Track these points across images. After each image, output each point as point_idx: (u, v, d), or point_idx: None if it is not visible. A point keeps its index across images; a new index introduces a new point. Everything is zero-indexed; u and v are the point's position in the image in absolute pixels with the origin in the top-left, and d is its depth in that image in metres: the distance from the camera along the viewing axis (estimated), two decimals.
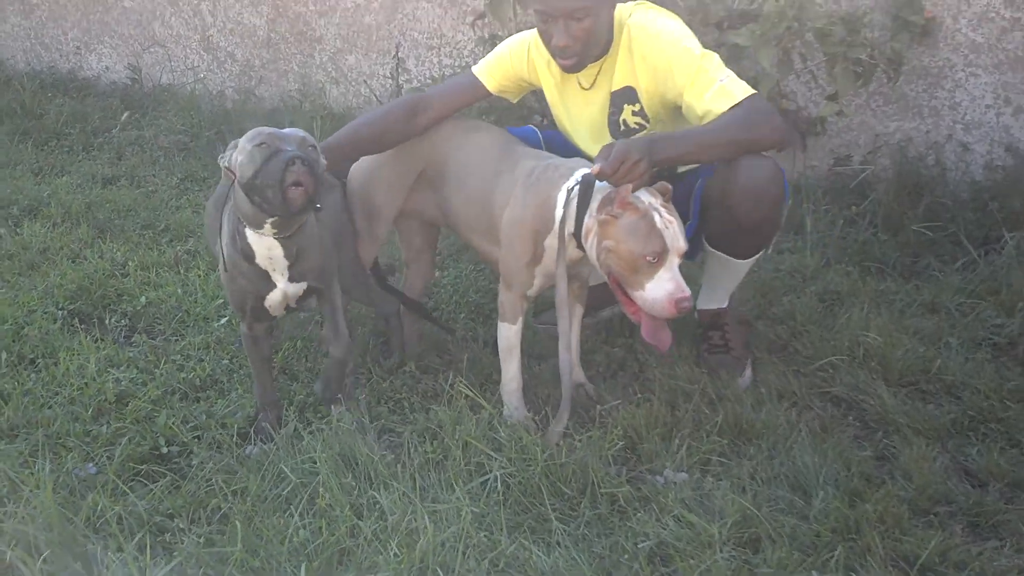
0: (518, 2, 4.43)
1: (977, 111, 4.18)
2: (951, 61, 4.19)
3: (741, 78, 4.04)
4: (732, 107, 2.58)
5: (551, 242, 2.55)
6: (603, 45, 2.77)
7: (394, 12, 5.75)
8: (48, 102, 6.09)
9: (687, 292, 2.34)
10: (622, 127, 2.87)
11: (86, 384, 2.76)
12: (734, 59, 3.91)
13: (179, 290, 3.40)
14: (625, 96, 2.83)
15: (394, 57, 5.64)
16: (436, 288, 3.49)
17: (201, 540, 2.10)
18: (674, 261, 2.36)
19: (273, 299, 2.49)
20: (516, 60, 2.95)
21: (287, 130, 2.36)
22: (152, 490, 2.28)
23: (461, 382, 2.65)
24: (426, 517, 2.10)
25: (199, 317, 3.27)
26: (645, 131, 2.88)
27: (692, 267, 3.43)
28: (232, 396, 2.73)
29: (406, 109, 2.91)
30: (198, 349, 3.03)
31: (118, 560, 1.97)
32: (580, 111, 2.92)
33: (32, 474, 2.25)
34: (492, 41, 4.64)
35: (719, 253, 2.85)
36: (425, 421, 2.58)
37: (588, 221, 2.45)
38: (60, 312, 3.24)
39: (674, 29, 2.74)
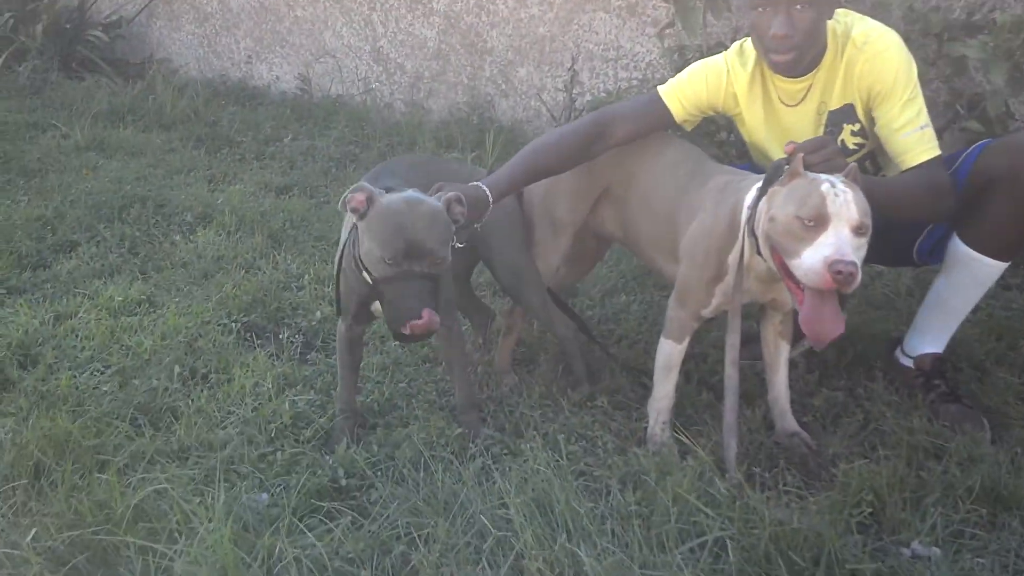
0: (711, 12, 4.15)
1: None
2: None
3: (961, 95, 3.71)
4: (924, 162, 2.46)
5: (734, 258, 2.35)
6: (819, 50, 2.55)
7: (569, 23, 5.53)
8: (221, 109, 6.11)
9: (848, 256, 2.02)
10: (841, 148, 2.59)
11: (260, 404, 2.59)
12: (955, 73, 3.56)
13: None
14: (845, 115, 2.60)
15: (569, 69, 5.42)
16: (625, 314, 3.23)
17: None
18: (841, 229, 2.06)
19: (380, 307, 2.34)
20: (713, 89, 2.70)
21: (419, 221, 2.16)
22: (331, 529, 2.07)
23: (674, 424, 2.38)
24: None
25: (375, 336, 3.09)
26: (863, 151, 2.64)
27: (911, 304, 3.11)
28: (413, 425, 2.52)
29: (586, 136, 2.68)
30: (376, 371, 2.84)
31: None
32: (786, 133, 2.66)
33: (205, 506, 2.07)
34: (680, 52, 4.38)
35: (976, 255, 2.55)
36: (625, 466, 2.31)
37: (762, 206, 2.22)
38: (234, 324, 3.10)
39: (900, 49, 2.52)
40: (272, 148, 5.43)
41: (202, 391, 2.69)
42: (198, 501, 2.12)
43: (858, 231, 2.09)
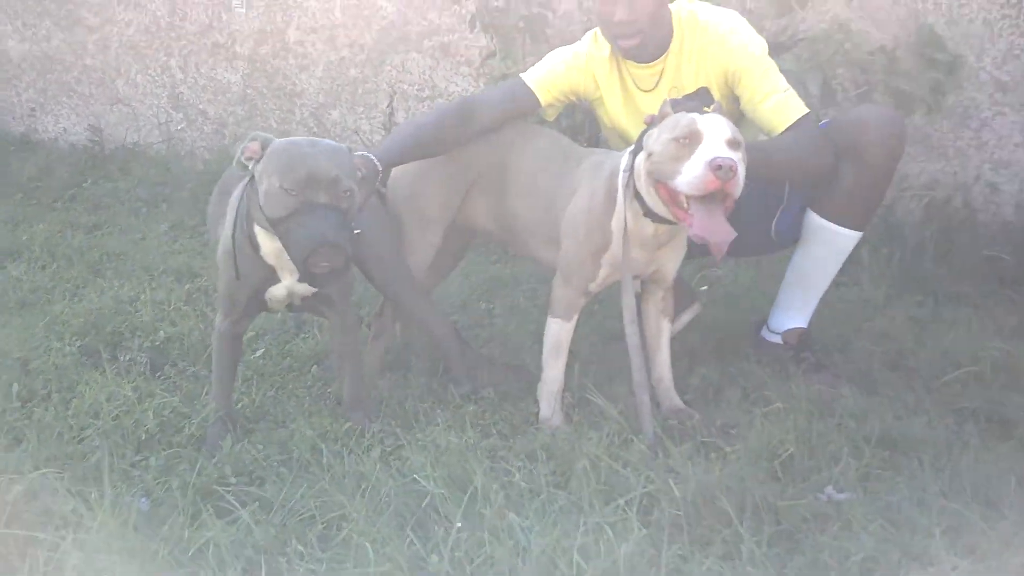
0: (530, 38, 4.25)
1: (1006, 150, 4.06)
2: (976, 100, 4.08)
3: None
4: (794, 123, 2.55)
5: (617, 223, 2.38)
6: (664, 35, 2.66)
7: (381, 64, 5.51)
8: (10, 156, 5.67)
9: (725, 154, 2.11)
10: None
11: (119, 415, 2.35)
12: None
13: (201, 325, 3.01)
14: (700, 97, 2.67)
15: (388, 106, 5.38)
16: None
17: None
18: (715, 141, 2.15)
19: (275, 294, 2.31)
20: (573, 72, 2.77)
21: (321, 153, 2.10)
22: (239, 517, 1.88)
23: (588, 385, 2.38)
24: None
25: None
26: None
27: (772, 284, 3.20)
28: (291, 426, 2.35)
29: (460, 114, 2.71)
30: (240, 382, 2.64)
31: None
32: (642, 117, 2.71)
33: (88, 505, 1.84)
34: (505, 79, 4.43)
35: (831, 226, 2.66)
36: (529, 443, 2.24)
37: (639, 163, 2.30)
38: (68, 348, 2.82)
39: (742, 28, 2.66)
40: (71, 192, 5.05)
41: (46, 408, 2.42)
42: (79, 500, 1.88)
43: (732, 145, 2.17)
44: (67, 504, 1.82)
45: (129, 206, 4.80)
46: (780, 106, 2.56)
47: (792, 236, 2.76)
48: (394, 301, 2.67)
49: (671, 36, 2.67)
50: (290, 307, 2.39)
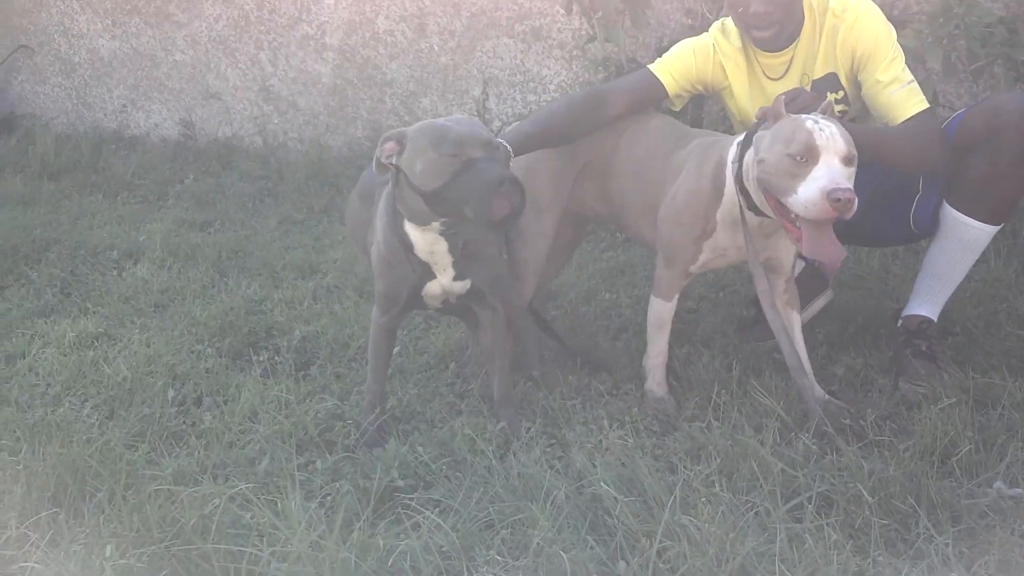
0: (632, 22, 4.22)
1: None
2: None
3: None
4: (915, 115, 2.52)
5: (722, 214, 2.41)
6: (797, 23, 2.63)
7: (472, 51, 5.50)
8: (110, 155, 5.77)
9: (844, 184, 2.08)
10: None
11: (278, 419, 2.39)
12: None
13: (334, 323, 3.05)
14: (828, 83, 2.67)
15: (482, 93, 5.38)
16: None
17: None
18: (832, 160, 2.13)
19: (432, 290, 2.35)
20: (701, 62, 2.76)
21: (460, 123, 2.18)
22: (418, 524, 1.90)
23: (754, 387, 2.38)
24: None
25: (363, 351, 2.92)
26: (847, 117, 2.70)
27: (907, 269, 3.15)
28: (448, 426, 2.37)
29: (593, 103, 2.75)
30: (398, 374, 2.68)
31: None
32: None
33: (276, 514, 1.88)
34: (604, 64, 4.41)
35: (965, 219, 2.60)
36: (686, 441, 2.24)
37: (748, 158, 2.29)
38: (209, 350, 2.87)
39: (878, 13, 2.62)
40: (175, 188, 5.12)
41: (203, 414, 2.47)
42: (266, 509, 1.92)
43: (847, 161, 2.16)
44: (258, 514, 1.85)
45: (235, 201, 4.85)
46: (902, 97, 2.53)
47: (933, 226, 2.71)
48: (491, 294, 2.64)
49: (802, 23, 2.64)
50: (446, 304, 2.43)
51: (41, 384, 2.67)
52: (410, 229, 2.28)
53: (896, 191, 2.69)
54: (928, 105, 2.55)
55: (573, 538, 1.85)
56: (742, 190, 2.33)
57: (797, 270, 2.99)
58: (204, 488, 1.99)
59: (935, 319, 2.74)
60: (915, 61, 3.76)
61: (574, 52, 5.10)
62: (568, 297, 3.31)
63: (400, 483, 2.10)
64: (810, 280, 2.99)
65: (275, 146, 6.15)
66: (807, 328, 2.87)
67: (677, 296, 2.56)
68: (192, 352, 2.86)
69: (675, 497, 1.90)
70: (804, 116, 2.22)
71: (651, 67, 2.79)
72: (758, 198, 2.28)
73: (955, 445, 2.14)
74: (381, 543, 1.78)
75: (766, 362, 2.66)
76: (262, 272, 3.65)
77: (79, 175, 5.38)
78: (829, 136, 2.14)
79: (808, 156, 2.12)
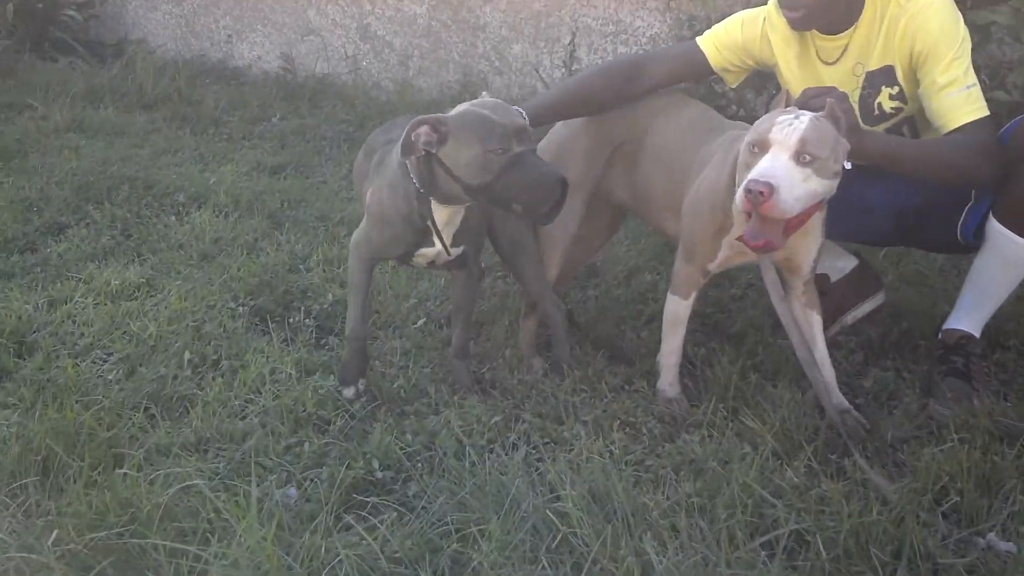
0: None
1: None
2: None
3: (988, 65, 3.59)
4: (967, 124, 2.33)
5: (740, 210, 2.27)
6: (843, 11, 2.45)
7: None
8: (204, 88, 5.88)
9: (766, 176, 2.04)
10: (876, 111, 2.52)
11: (280, 392, 2.42)
12: (981, 42, 3.42)
13: None
14: (884, 77, 2.49)
15: (569, 44, 5.25)
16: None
17: None
18: (779, 154, 2.08)
19: (427, 253, 2.41)
20: (748, 34, 2.62)
21: (499, 113, 2.18)
22: (375, 526, 1.90)
23: (721, 408, 2.24)
24: None
25: (394, 317, 2.92)
26: (901, 116, 2.53)
27: (949, 291, 2.96)
28: (447, 411, 2.35)
29: (625, 71, 2.67)
30: (398, 355, 2.67)
31: None
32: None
33: (236, 503, 1.90)
34: (690, 24, 4.23)
35: (1009, 234, 2.40)
36: (678, 454, 2.17)
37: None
38: (242, 308, 2.92)
39: (945, 5, 2.40)
40: (260, 127, 5.21)
41: (215, 378, 2.51)
42: (227, 498, 1.95)
43: (799, 158, 2.07)
44: (218, 501, 1.88)
45: (314, 144, 4.90)
46: (957, 103, 2.34)
47: (980, 239, 2.52)
48: (512, 270, 2.72)
49: (860, 8, 2.46)
50: (432, 264, 2.49)
51: (75, 333, 2.76)
52: (436, 207, 2.31)
53: (946, 197, 2.50)
54: (986, 114, 2.35)
55: (529, 558, 1.82)
56: None
57: (847, 269, 2.85)
58: (166, 469, 2.02)
59: (977, 335, 2.57)
60: (1012, 41, 3.52)
61: (669, 3, 4.92)
62: (610, 273, 3.24)
63: (379, 475, 2.10)
64: (860, 280, 2.84)
65: (368, 86, 6.17)
66: (844, 333, 2.76)
67: (695, 294, 2.48)
68: (225, 309, 2.90)
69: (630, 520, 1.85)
70: (795, 110, 2.15)
71: (698, 39, 2.69)
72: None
73: (957, 486, 2.01)
74: (324, 547, 1.78)
75: (789, 367, 2.54)
76: (316, 225, 3.67)
77: (172, 107, 5.51)
78: (787, 131, 2.08)
79: (760, 147, 2.10)
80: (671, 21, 4.92)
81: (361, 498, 2.02)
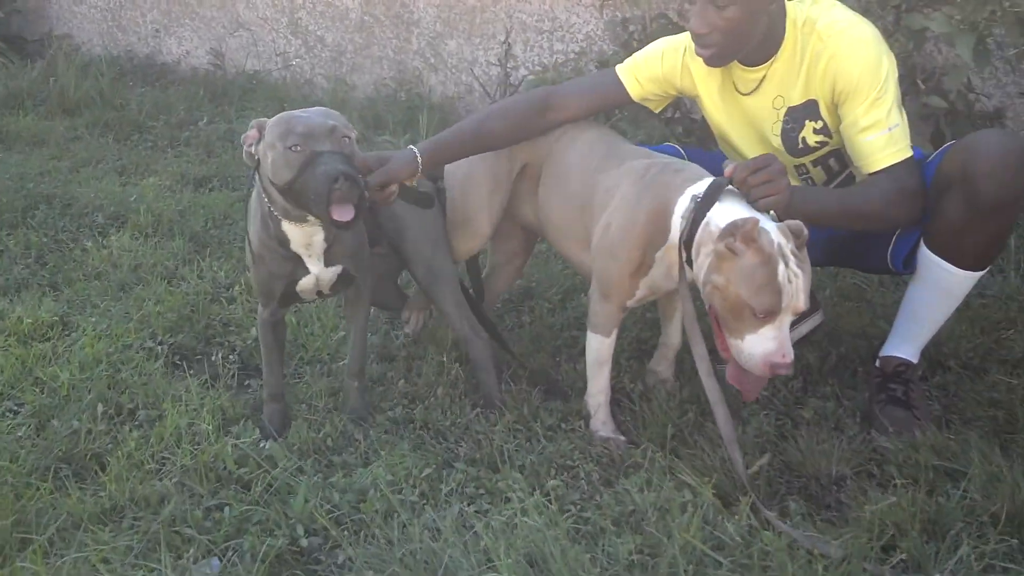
0: None
1: None
2: None
3: (922, 70, 3.54)
4: (887, 168, 2.29)
5: (663, 255, 2.26)
6: (758, 45, 2.37)
7: None
8: (129, 90, 5.68)
9: (789, 357, 2.02)
10: (800, 144, 2.46)
11: (198, 448, 2.29)
12: (915, 47, 3.37)
13: (292, 319, 2.93)
14: (807, 111, 2.42)
15: (504, 43, 5.13)
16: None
17: None
18: (786, 320, 2.03)
19: (306, 284, 2.36)
20: (669, 65, 2.56)
21: (313, 114, 2.16)
22: None
23: (658, 454, 2.17)
24: None
25: (319, 353, 2.81)
26: (827, 148, 2.46)
27: (887, 307, 2.93)
28: (376, 462, 2.25)
29: (537, 105, 2.57)
30: (324, 397, 2.56)
31: None
32: (743, 121, 2.53)
33: None
34: (623, 24, 4.13)
35: (941, 263, 2.36)
36: (617, 504, 2.09)
37: (701, 234, 2.11)
38: (160, 348, 2.78)
39: (869, 43, 2.31)
40: (187, 133, 5.04)
41: (130, 431, 2.38)
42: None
43: (797, 314, 2.06)
44: None
45: (242, 151, 4.72)
46: (880, 144, 2.28)
47: (911, 266, 2.47)
48: (430, 298, 2.66)
49: (780, 41, 2.38)
50: (320, 294, 2.44)
51: None
52: (286, 227, 2.25)
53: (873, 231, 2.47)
54: (908, 155, 2.30)
55: None
56: (686, 248, 2.15)
57: None
58: (73, 553, 1.90)
59: (915, 361, 2.52)
60: (947, 47, 3.47)
61: (605, 1, 4.81)
62: (544, 296, 3.14)
63: (304, 542, 1.99)
64: None
65: (301, 83, 6.00)
66: None
67: (615, 331, 2.42)
68: (142, 350, 2.76)
69: None
70: (779, 256, 2.00)
71: (618, 67, 2.61)
72: (697, 279, 2.15)
73: (904, 534, 1.96)
74: None
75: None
76: (242, 247, 3.53)
77: (95, 112, 5.32)
78: (794, 292, 2.01)
79: (768, 315, 2.01)
80: (607, 19, 4.82)
81: (287, 572, 1.92)
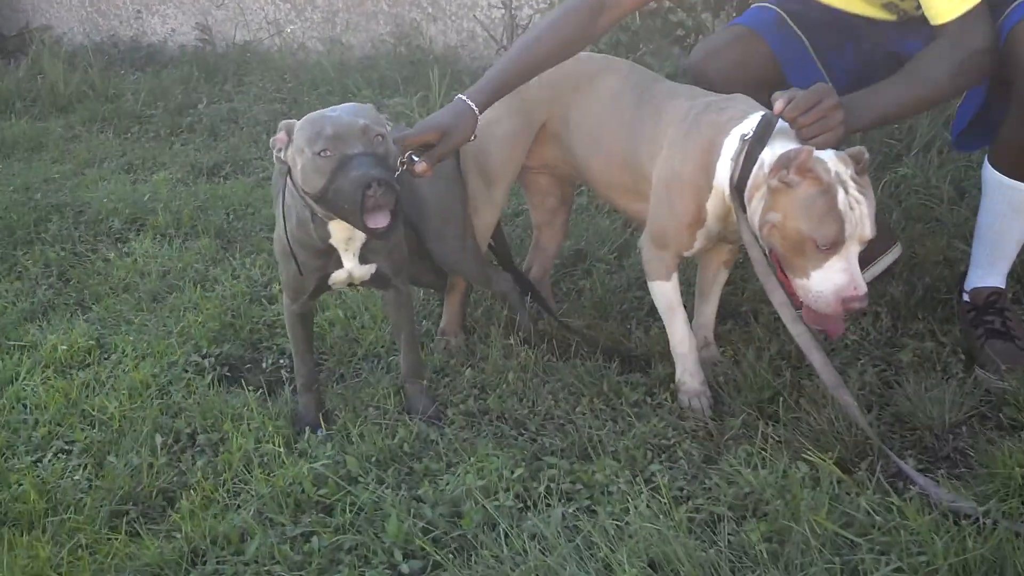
0: None
1: None
2: None
3: None
4: (953, 21, 2.07)
5: (714, 205, 2.13)
6: None
7: None
8: (120, 80, 5.46)
9: (862, 289, 1.90)
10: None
11: (271, 472, 2.14)
12: None
13: (341, 313, 2.77)
14: None
15: None
16: None
17: None
18: (852, 250, 1.92)
19: (338, 278, 2.27)
20: None
21: (343, 112, 2.03)
22: None
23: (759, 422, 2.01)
24: None
25: (374, 347, 2.65)
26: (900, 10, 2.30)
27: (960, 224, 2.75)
28: (460, 465, 2.11)
29: (590, 8, 2.30)
30: (392, 396, 2.41)
31: None
32: None
33: None
34: None
35: (1011, 183, 2.20)
36: (729, 487, 1.94)
37: (757, 174, 1.98)
38: (207, 361, 2.63)
39: None
40: (188, 119, 4.83)
41: (194, 460, 2.23)
42: None
43: (864, 243, 1.95)
44: None
45: (248, 132, 4.55)
46: None
47: (978, 142, 2.32)
48: (451, 271, 2.58)
49: None
50: (352, 286, 2.38)
51: (30, 420, 2.45)
52: (332, 225, 2.15)
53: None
54: (971, 5, 2.06)
55: None
56: (739, 193, 2.01)
57: None
58: None
59: (1003, 286, 2.37)
60: None
61: None
62: (597, 256, 2.98)
63: (405, 567, 1.85)
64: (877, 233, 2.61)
65: (295, 48, 5.78)
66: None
67: (676, 274, 2.31)
68: (188, 366, 2.61)
69: None
70: (838, 183, 1.90)
71: None
72: (761, 242, 2.02)
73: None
74: None
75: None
76: (269, 237, 3.35)
77: (89, 107, 5.11)
78: (858, 220, 1.90)
79: (832, 246, 1.90)
80: None
81: None
